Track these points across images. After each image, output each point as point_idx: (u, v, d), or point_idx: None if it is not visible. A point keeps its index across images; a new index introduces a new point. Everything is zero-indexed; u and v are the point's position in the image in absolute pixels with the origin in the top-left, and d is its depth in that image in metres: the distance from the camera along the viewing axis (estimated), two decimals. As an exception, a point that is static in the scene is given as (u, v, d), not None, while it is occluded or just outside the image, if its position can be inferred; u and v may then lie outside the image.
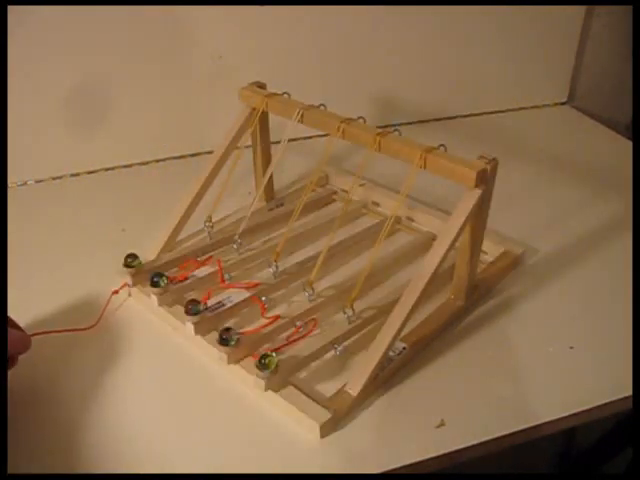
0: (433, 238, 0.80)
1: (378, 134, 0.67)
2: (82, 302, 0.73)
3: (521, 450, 0.61)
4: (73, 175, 1.00)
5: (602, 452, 1.13)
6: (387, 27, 1.06)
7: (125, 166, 1.03)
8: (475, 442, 0.56)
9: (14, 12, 0.84)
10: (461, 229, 0.62)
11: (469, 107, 1.19)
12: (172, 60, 0.98)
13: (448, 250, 0.61)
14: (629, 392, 0.60)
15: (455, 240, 0.62)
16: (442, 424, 0.58)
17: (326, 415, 0.57)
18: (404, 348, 0.64)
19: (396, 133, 0.67)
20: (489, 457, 0.57)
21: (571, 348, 0.66)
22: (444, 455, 0.56)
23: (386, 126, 0.71)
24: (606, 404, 0.60)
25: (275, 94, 0.77)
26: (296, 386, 0.60)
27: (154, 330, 0.69)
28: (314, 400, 0.58)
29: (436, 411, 0.59)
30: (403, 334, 0.63)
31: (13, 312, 0.71)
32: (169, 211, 0.79)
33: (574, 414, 0.59)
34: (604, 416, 0.61)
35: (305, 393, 0.59)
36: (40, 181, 0.99)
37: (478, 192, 0.61)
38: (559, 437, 1.18)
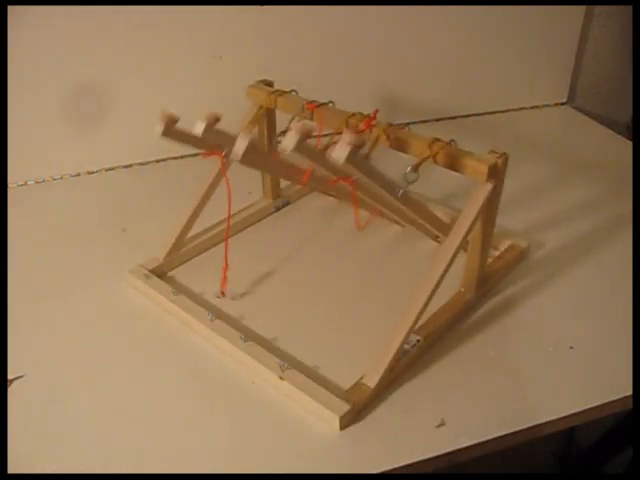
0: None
1: (387, 129, 0.67)
2: (82, 301, 0.73)
3: (521, 450, 0.61)
4: (73, 175, 1.00)
5: (602, 452, 1.13)
6: (386, 28, 1.06)
7: (125, 166, 1.03)
8: (475, 442, 0.56)
9: (14, 12, 0.84)
10: (473, 222, 0.62)
11: (469, 107, 1.19)
12: (172, 60, 0.98)
13: (461, 243, 0.62)
14: (629, 392, 0.60)
15: (468, 233, 0.62)
16: (442, 424, 0.58)
17: (345, 407, 0.57)
18: (418, 340, 0.64)
19: (406, 129, 0.67)
20: (489, 457, 0.58)
21: (571, 348, 0.66)
22: (444, 455, 0.56)
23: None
24: (606, 404, 0.60)
25: (283, 91, 0.77)
26: (313, 378, 0.60)
27: (166, 324, 0.70)
28: (332, 392, 0.59)
29: (436, 411, 0.59)
30: (416, 327, 0.63)
31: (14, 312, 0.72)
32: (169, 211, 0.79)
33: (574, 414, 0.59)
34: (604, 416, 0.61)
35: (323, 385, 0.59)
36: (40, 181, 0.99)
37: (489, 186, 0.62)
38: (559, 437, 1.18)
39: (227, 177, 0.70)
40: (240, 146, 0.58)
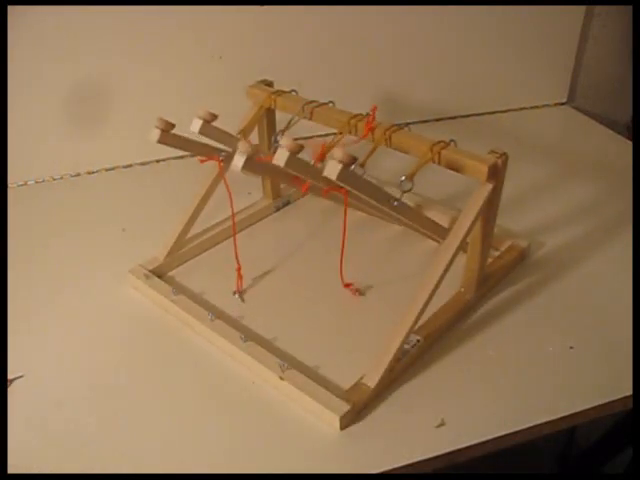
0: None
1: (388, 129, 0.67)
2: (82, 301, 0.74)
3: (521, 450, 0.61)
4: (73, 175, 1.00)
5: (602, 452, 1.12)
6: (387, 27, 1.06)
7: (125, 166, 1.03)
8: (475, 442, 0.56)
9: (14, 12, 0.84)
10: (473, 222, 0.62)
11: (470, 107, 1.19)
12: (172, 60, 0.98)
13: (461, 243, 0.62)
14: (629, 392, 0.60)
15: (468, 233, 0.63)
16: (442, 424, 0.58)
17: (345, 407, 0.57)
18: (418, 340, 0.64)
19: (406, 129, 0.67)
20: (489, 457, 0.58)
21: (571, 348, 0.66)
22: (444, 455, 0.56)
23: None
24: (606, 404, 0.60)
25: (283, 91, 0.77)
26: (313, 378, 0.60)
27: (166, 324, 0.70)
28: (332, 392, 0.59)
29: (436, 411, 0.59)
30: (416, 327, 0.63)
31: (14, 312, 0.71)
32: (169, 211, 0.79)
33: (574, 414, 0.59)
34: (604, 416, 0.61)
35: (323, 385, 0.59)
36: (40, 181, 0.99)
37: (489, 186, 0.62)
38: (559, 437, 1.18)
39: (226, 180, 0.70)
40: (239, 160, 0.58)
